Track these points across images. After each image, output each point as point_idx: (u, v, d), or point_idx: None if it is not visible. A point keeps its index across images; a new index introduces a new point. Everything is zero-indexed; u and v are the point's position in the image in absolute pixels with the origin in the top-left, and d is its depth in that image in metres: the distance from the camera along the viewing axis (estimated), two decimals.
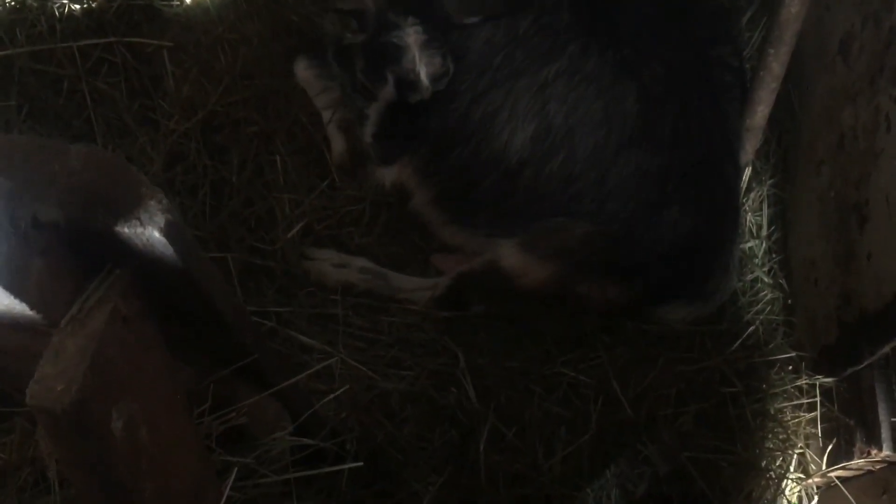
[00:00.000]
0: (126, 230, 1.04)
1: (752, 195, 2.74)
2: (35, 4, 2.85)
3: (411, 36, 2.28)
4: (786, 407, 2.52)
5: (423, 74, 2.31)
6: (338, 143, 2.75)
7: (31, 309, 1.05)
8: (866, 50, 2.27)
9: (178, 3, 2.86)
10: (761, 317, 2.64)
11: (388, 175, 2.58)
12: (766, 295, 2.67)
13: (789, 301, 2.67)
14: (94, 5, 2.85)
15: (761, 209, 2.75)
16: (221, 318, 1.29)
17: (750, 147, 2.61)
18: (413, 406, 2.45)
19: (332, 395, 2.26)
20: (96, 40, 2.79)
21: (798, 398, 2.53)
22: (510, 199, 2.42)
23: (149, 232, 1.02)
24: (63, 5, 2.85)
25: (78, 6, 2.86)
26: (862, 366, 2.27)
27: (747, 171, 2.68)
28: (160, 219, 1.02)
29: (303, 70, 2.75)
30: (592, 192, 2.33)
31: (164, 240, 1.03)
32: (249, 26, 2.82)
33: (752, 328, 2.60)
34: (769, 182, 2.77)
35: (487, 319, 2.58)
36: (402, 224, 2.71)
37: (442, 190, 2.53)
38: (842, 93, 2.39)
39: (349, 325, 2.58)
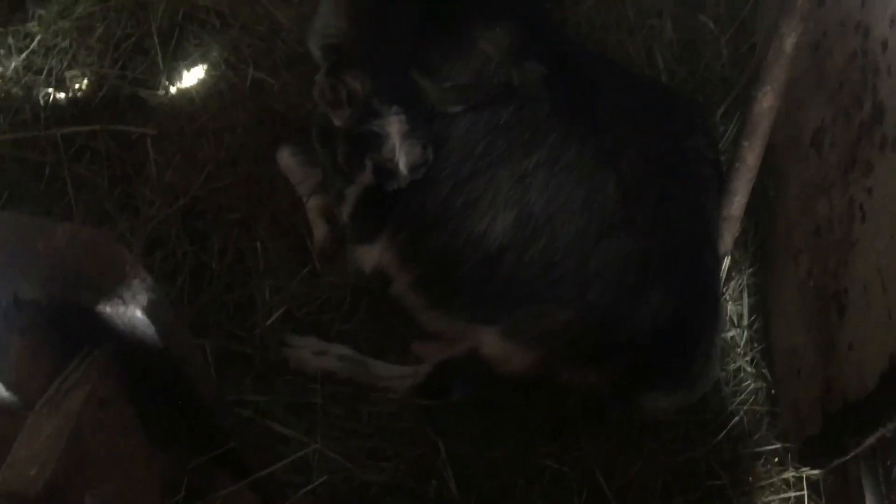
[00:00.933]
0: (108, 309, 1.02)
1: (732, 284, 2.76)
2: (20, 93, 2.88)
3: (394, 125, 2.31)
4: (773, 500, 2.47)
5: (402, 164, 2.33)
6: (319, 230, 2.76)
7: (8, 390, 1.01)
8: (838, 143, 2.33)
9: (163, 92, 2.91)
10: (745, 407, 2.62)
11: (367, 257, 2.58)
12: (749, 385, 2.66)
13: (773, 391, 2.66)
14: (79, 94, 2.89)
15: (741, 298, 2.76)
16: (201, 402, 1.26)
17: (728, 236, 2.65)
18: (392, 498, 2.39)
19: (309, 487, 2.20)
20: (80, 128, 2.82)
21: (785, 491, 2.49)
22: (491, 285, 2.42)
23: (131, 311, 1.00)
24: (48, 94, 2.88)
25: (63, 95, 2.90)
26: (848, 457, 2.24)
27: (726, 261, 2.71)
28: (143, 298, 1.00)
29: (286, 157, 2.77)
30: (574, 279, 2.34)
31: (146, 319, 1.01)
32: (234, 115, 2.86)
33: (736, 418, 2.57)
34: (748, 271, 2.79)
35: (469, 407, 2.54)
36: (383, 311, 2.70)
37: (423, 275, 2.52)
38: (816, 184, 2.45)
39: (328, 414, 2.53)
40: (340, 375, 2.56)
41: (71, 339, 1.09)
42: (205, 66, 2.96)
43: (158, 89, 2.91)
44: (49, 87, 2.89)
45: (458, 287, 2.47)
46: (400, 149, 2.31)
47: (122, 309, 1.01)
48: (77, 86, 2.91)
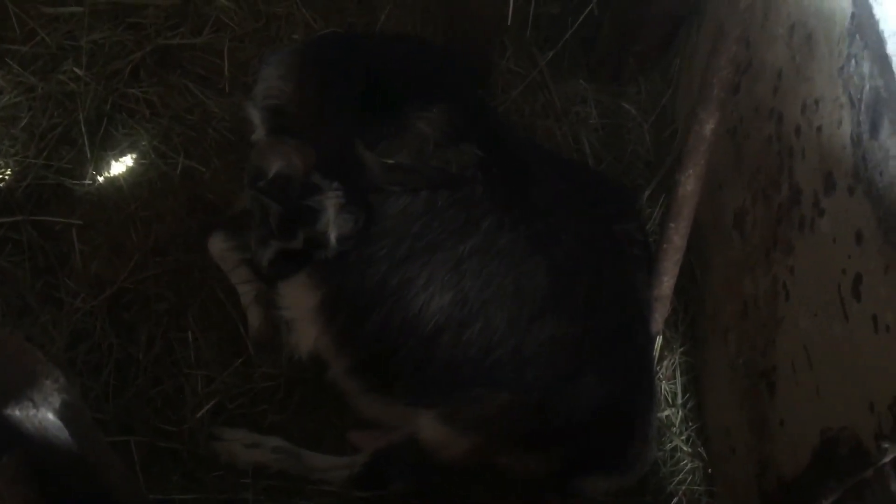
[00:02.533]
0: (17, 412, 0.97)
1: (664, 364, 2.79)
2: None
3: (331, 200, 2.32)
4: None
5: (333, 237, 2.34)
6: (254, 317, 2.71)
7: None
8: (759, 224, 2.41)
9: (90, 181, 2.85)
10: (683, 487, 2.62)
11: (303, 342, 2.53)
12: (686, 464, 2.66)
13: (709, 470, 2.67)
14: (1, 185, 2.82)
15: (675, 377, 2.79)
16: None
17: (659, 316, 2.68)
18: None
19: None
20: (1, 219, 2.74)
21: None
22: (429, 368, 2.39)
23: (42, 414, 0.95)
24: None
25: None
26: None
27: (659, 340, 2.74)
28: (55, 399, 0.96)
29: (218, 245, 2.73)
30: (510, 363, 2.33)
31: (58, 422, 0.96)
32: (163, 203, 2.82)
33: (675, 500, 2.57)
34: (680, 350, 2.83)
35: (408, 498, 2.48)
36: (318, 400, 2.64)
37: (359, 358, 2.48)
38: (740, 264, 2.51)
39: None
40: (274, 469, 2.49)
41: None
42: (134, 155, 2.93)
43: (85, 179, 2.86)
44: None
45: (396, 369, 2.44)
46: (333, 223, 2.31)
47: (31, 412, 0.96)
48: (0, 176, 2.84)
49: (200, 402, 2.54)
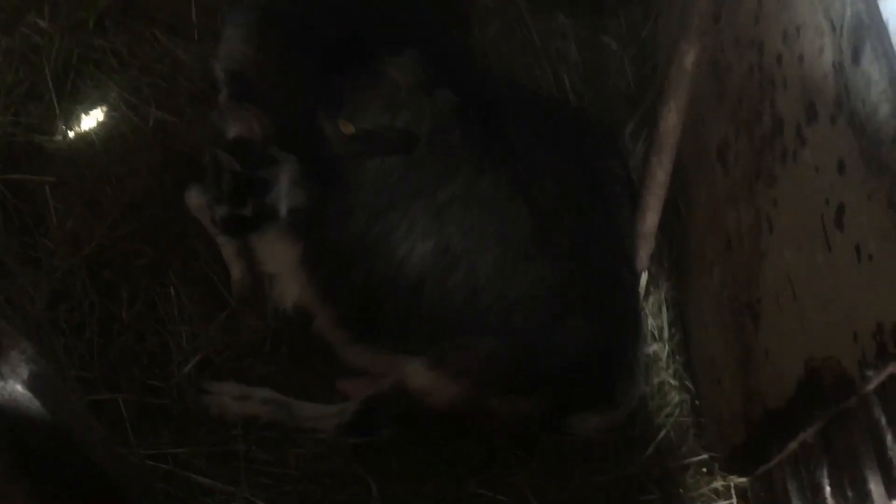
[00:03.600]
0: None
1: (650, 299, 2.79)
2: None
3: (285, 173, 2.29)
4: None
5: (284, 209, 2.35)
6: (236, 271, 2.69)
7: None
8: (742, 157, 2.38)
9: (61, 137, 2.79)
10: (671, 420, 2.65)
11: (287, 295, 2.52)
12: (674, 398, 2.69)
13: (697, 402, 2.69)
14: None
15: (661, 313, 2.80)
16: (101, 472, 1.18)
17: (644, 253, 2.68)
18: None
19: None
20: None
21: (715, 500, 2.52)
22: (415, 317, 2.39)
23: (11, 386, 0.93)
24: None
25: None
26: (772, 463, 2.27)
27: (644, 277, 2.74)
28: (24, 370, 0.94)
29: (195, 198, 2.69)
30: (496, 308, 2.33)
31: (28, 393, 0.94)
32: (137, 157, 2.77)
33: (663, 432, 2.60)
34: (665, 286, 2.83)
35: (398, 444, 2.50)
36: (305, 350, 2.64)
37: (344, 310, 2.48)
38: (724, 197, 2.50)
39: (253, 461, 2.45)
40: (264, 420, 2.50)
41: None
42: (104, 109, 2.86)
43: (55, 135, 2.80)
44: None
45: (382, 320, 2.44)
46: (286, 196, 2.29)
47: (0, 384, 0.94)
48: None
49: (186, 357, 2.53)
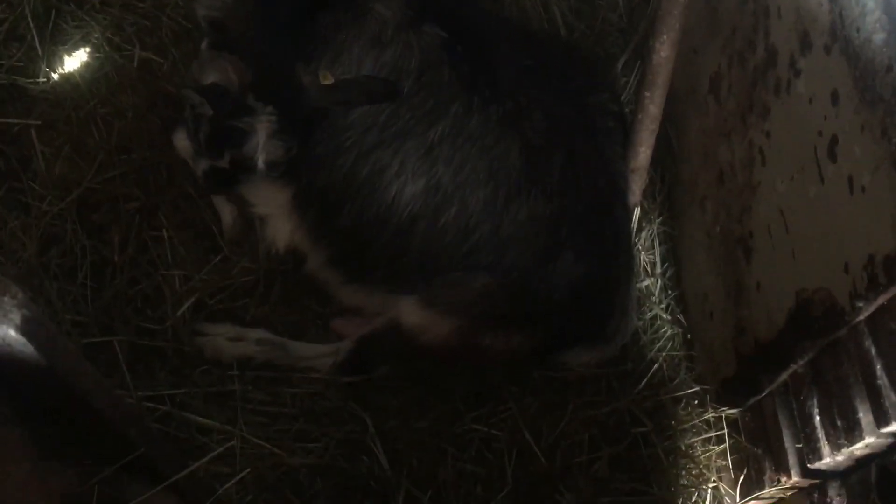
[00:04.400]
0: None
1: (643, 234, 2.79)
2: None
3: (262, 124, 2.26)
4: (696, 442, 2.54)
5: (261, 161, 2.31)
6: (227, 214, 2.67)
7: None
8: (735, 89, 2.36)
9: (45, 79, 2.74)
10: (664, 353, 2.67)
11: (280, 236, 2.51)
12: (665, 331, 2.71)
13: (688, 335, 2.72)
14: None
15: (653, 247, 2.80)
16: (99, 414, 1.19)
17: (636, 188, 2.67)
18: (323, 480, 2.36)
19: (235, 479, 2.16)
20: None
21: (706, 431, 2.56)
22: (407, 255, 2.39)
23: (3, 331, 0.93)
24: None
25: None
26: (763, 395, 2.31)
27: (636, 212, 2.73)
28: (16, 315, 0.93)
29: (183, 139, 2.65)
30: (489, 245, 2.32)
31: (21, 338, 0.94)
32: (123, 99, 2.72)
33: (655, 366, 2.62)
34: (658, 220, 2.83)
35: (393, 381, 2.52)
36: (299, 291, 2.64)
37: (336, 250, 2.47)
38: (716, 130, 2.48)
39: (249, 401, 2.47)
40: (259, 360, 2.51)
41: None
42: (87, 49, 2.80)
43: (39, 77, 2.75)
44: None
45: (374, 259, 2.43)
46: (263, 148, 2.27)
47: None
48: None
49: (180, 300, 2.52)
